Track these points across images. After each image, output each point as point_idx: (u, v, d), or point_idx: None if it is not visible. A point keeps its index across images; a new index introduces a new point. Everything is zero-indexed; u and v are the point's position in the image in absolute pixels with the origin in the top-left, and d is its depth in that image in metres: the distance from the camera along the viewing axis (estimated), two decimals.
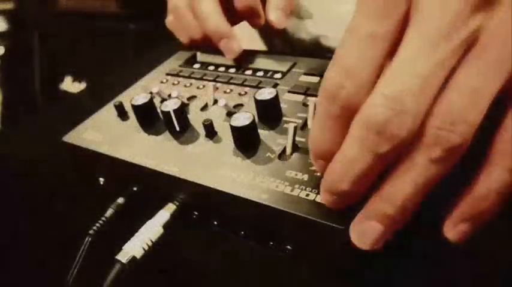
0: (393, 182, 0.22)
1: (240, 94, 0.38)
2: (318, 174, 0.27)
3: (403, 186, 0.21)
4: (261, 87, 0.35)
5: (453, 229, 0.23)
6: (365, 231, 0.23)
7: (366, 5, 0.21)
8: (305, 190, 0.27)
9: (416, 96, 0.20)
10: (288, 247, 0.28)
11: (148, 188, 0.34)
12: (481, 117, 0.20)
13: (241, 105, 0.36)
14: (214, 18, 0.42)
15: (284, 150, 0.30)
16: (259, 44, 0.63)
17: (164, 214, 0.31)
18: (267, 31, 0.60)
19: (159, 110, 0.35)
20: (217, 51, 0.44)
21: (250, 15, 0.43)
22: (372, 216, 0.23)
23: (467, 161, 0.21)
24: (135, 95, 0.36)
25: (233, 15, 0.43)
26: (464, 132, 0.20)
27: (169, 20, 0.48)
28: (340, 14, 0.53)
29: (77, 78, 1.28)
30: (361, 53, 0.21)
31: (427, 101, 0.20)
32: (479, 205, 0.22)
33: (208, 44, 0.44)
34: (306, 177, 0.28)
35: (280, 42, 0.61)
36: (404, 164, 0.21)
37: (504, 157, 0.21)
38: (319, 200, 0.26)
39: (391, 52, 0.21)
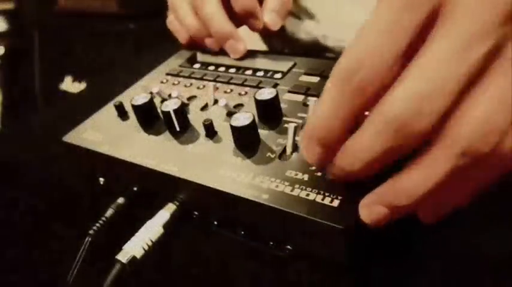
0: (410, 178, 0.22)
1: (240, 94, 0.38)
2: (319, 174, 0.27)
3: (420, 183, 0.22)
4: (261, 87, 0.35)
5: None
6: (372, 211, 0.24)
7: None
8: (305, 189, 0.27)
9: (441, 98, 0.20)
10: (288, 247, 0.28)
11: (149, 188, 0.34)
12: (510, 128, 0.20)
13: (242, 105, 0.36)
14: (218, 19, 0.42)
15: (284, 150, 0.30)
16: (259, 44, 0.63)
17: (164, 214, 0.31)
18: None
19: (159, 110, 0.35)
20: (217, 52, 0.44)
21: (248, 19, 0.43)
22: (382, 202, 0.23)
23: None
24: (135, 95, 0.36)
25: (234, 18, 0.44)
26: (494, 142, 0.20)
27: (170, 21, 0.48)
28: (340, 15, 0.53)
29: (77, 78, 1.28)
30: (384, 40, 0.21)
31: (449, 104, 0.20)
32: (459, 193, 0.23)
33: (207, 46, 0.44)
34: (306, 177, 0.28)
35: (280, 42, 0.61)
36: (424, 162, 0.21)
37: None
38: (319, 200, 0.26)
39: (412, 46, 0.21)
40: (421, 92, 0.20)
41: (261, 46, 0.64)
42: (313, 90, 0.35)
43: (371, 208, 0.24)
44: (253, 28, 0.44)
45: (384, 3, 0.22)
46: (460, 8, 0.20)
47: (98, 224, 0.32)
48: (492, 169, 0.22)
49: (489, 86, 0.20)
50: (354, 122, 0.23)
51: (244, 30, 0.45)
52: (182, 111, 0.34)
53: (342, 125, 0.23)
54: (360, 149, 0.22)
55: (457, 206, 0.24)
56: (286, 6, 0.45)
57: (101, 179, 0.37)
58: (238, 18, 0.44)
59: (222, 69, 0.42)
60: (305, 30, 0.56)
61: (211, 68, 0.43)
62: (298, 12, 0.57)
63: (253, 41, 0.63)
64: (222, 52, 0.44)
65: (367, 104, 0.22)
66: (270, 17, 0.43)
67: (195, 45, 0.46)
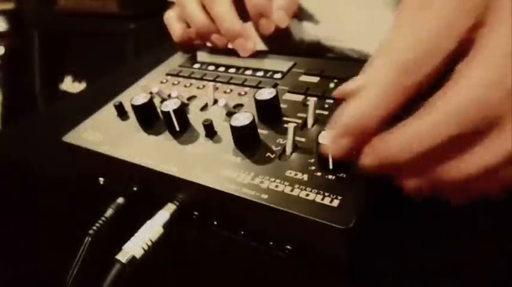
0: (478, 156, 0.22)
1: (240, 94, 0.38)
2: (319, 174, 0.27)
3: (469, 166, 0.22)
4: (261, 87, 0.35)
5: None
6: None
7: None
8: (305, 189, 0.27)
9: (507, 97, 0.21)
10: (288, 247, 0.28)
11: (148, 188, 0.34)
12: None
13: (241, 105, 0.36)
14: (230, 18, 0.43)
15: (284, 150, 0.30)
16: (258, 45, 0.63)
17: (164, 214, 0.31)
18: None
19: (159, 110, 0.35)
20: (217, 51, 0.44)
21: (260, 19, 0.44)
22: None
23: None
24: (135, 95, 0.36)
25: (243, 16, 0.44)
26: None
27: (168, 16, 0.48)
28: (340, 15, 0.53)
29: (77, 78, 1.28)
30: (442, 39, 0.22)
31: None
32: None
33: (212, 42, 0.44)
34: (305, 177, 0.28)
35: (279, 42, 0.61)
36: (474, 150, 0.22)
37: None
38: (319, 200, 0.26)
39: (463, 46, 0.22)
40: (487, 81, 0.21)
41: (261, 46, 0.64)
42: (313, 90, 0.35)
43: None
44: (264, 29, 0.44)
45: (441, 2, 0.23)
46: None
47: (97, 224, 0.32)
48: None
49: None
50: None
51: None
52: (182, 111, 0.34)
53: (386, 118, 0.23)
54: (417, 138, 0.22)
55: (487, 192, 0.24)
56: (294, 3, 0.45)
57: (101, 179, 0.37)
58: (250, 18, 0.44)
59: (221, 69, 0.42)
60: (305, 31, 0.56)
61: (211, 68, 0.43)
62: (297, 12, 0.56)
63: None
64: (222, 52, 0.44)
65: (414, 97, 0.23)
66: (277, 15, 0.43)
67: (188, 44, 0.46)
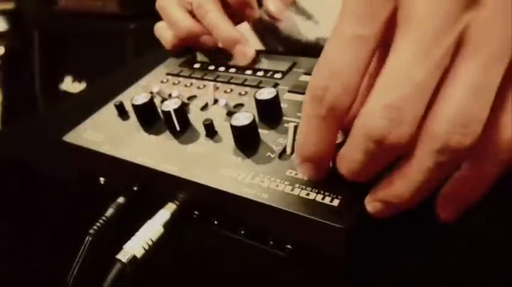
0: (399, 179, 0.22)
1: (240, 94, 0.38)
2: None
3: (407, 184, 0.22)
4: (261, 87, 0.35)
5: (445, 210, 0.24)
6: (374, 207, 0.24)
7: (350, 7, 0.21)
8: (305, 189, 0.27)
9: (414, 104, 0.20)
10: (288, 246, 0.28)
11: (149, 187, 0.34)
12: (488, 112, 0.20)
13: (242, 105, 0.36)
14: (225, 26, 0.43)
15: (284, 149, 0.30)
16: (258, 45, 0.63)
17: (164, 214, 0.31)
18: (265, 32, 0.60)
19: (159, 110, 0.35)
20: (218, 51, 0.44)
21: (244, 9, 0.44)
22: (379, 199, 0.24)
23: None
24: (136, 94, 0.36)
25: (230, 17, 0.44)
26: (475, 131, 0.20)
27: (157, 27, 0.48)
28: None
29: (77, 78, 1.28)
30: (346, 55, 0.21)
31: (424, 106, 0.20)
32: (468, 187, 0.23)
33: (202, 44, 0.45)
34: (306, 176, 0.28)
35: (278, 43, 0.61)
36: (408, 163, 0.22)
37: (500, 148, 0.21)
38: (319, 200, 0.26)
39: (376, 53, 0.22)
40: (392, 102, 0.20)
41: (260, 47, 0.64)
42: None
43: (373, 204, 0.24)
44: (249, 18, 0.44)
45: (343, 15, 0.22)
46: (413, 12, 0.20)
47: (98, 224, 0.32)
48: (490, 160, 0.22)
49: (459, 75, 0.20)
50: (336, 136, 0.24)
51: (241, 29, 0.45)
52: (182, 111, 0.34)
53: (326, 143, 0.24)
54: (348, 160, 0.23)
55: (471, 203, 0.24)
56: None
57: (102, 179, 0.37)
58: (234, 10, 0.44)
59: (222, 69, 0.42)
60: (304, 30, 0.56)
61: (211, 67, 0.43)
62: (297, 12, 0.56)
63: (251, 41, 0.63)
64: (222, 52, 0.44)
65: (343, 118, 0.23)
66: (274, 6, 0.43)
67: (181, 47, 0.46)
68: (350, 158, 0.23)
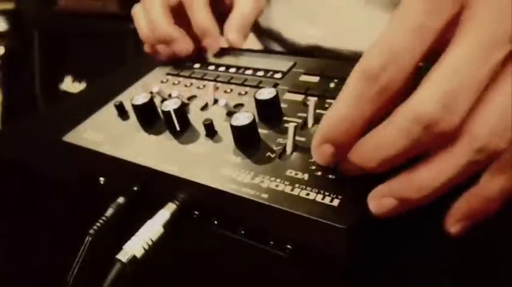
0: (425, 171, 0.22)
1: (240, 94, 0.38)
2: (319, 173, 0.27)
3: (435, 177, 0.22)
4: (261, 87, 0.35)
5: (455, 225, 0.24)
6: (381, 203, 0.24)
7: None
8: (305, 189, 0.27)
9: (468, 97, 0.21)
10: (288, 246, 0.28)
11: (149, 187, 0.34)
12: None
13: (242, 105, 0.36)
14: (200, 14, 0.44)
15: (284, 149, 0.30)
16: (257, 45, 0.63)
17: (164, 214, 0.31)
18: (264, 32, 0.60)
19: (159, 110, 0.35)
20: (218, 51, 0.44)
21: (204, 38, 0.45)
22: (393, 194, 0.23)
23: None
24: (136, 94, 0.36)
25: (219, 17, 0.45)
26: (510, 137, 0.21)
27: (138, 9, 0.48)
28: (339, 16, 0.53)
29: (77, 78, 1.28)
30: (410, 41, 0.22)
31: (474, 103, 0.21)
32: (483, 204, 0.23)
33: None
34: (306, 176, 0.28)
35: (278, 43, 0.61)
36: (441, 157, 0.22)
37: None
38: (319, 200, 0.26)
39: (435, 47, 0.22)
40: (450, 91, 0.21)
41: (260, 47, 0.64)
42: (313, 90, 0.35)
43: (381, 200, 0.24)
44: (210, 48, 0.45)
45: (408, 5, 0.22)
46: (481, 15, 0.21)
47: (98, 224, 0.32)
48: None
49: (505, 85, 0.21)
50: (372, 121, 0.23)
51: None
52: (182, 111, 0.34)
53: (363, 125, 0.23)
54: (381, 145, 0.23)
55: (486, 214, 0.24)
56: (248, 23, 0.46)
57: (101, 179, 0.37)
58: (197, 36, 0.45)
59: (222, 69, 0.42)
60: (304, 31, 0.56)
61: (211, 67, 0.43)
62: (296, 13, 0.56)
63: (251, 41, 0.63)
64: (222, 52, 0.44)
65: (389, 103, 0.23)
66: (232, 36, 0.44)
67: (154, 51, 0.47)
68: (388, 144, 0.22)
